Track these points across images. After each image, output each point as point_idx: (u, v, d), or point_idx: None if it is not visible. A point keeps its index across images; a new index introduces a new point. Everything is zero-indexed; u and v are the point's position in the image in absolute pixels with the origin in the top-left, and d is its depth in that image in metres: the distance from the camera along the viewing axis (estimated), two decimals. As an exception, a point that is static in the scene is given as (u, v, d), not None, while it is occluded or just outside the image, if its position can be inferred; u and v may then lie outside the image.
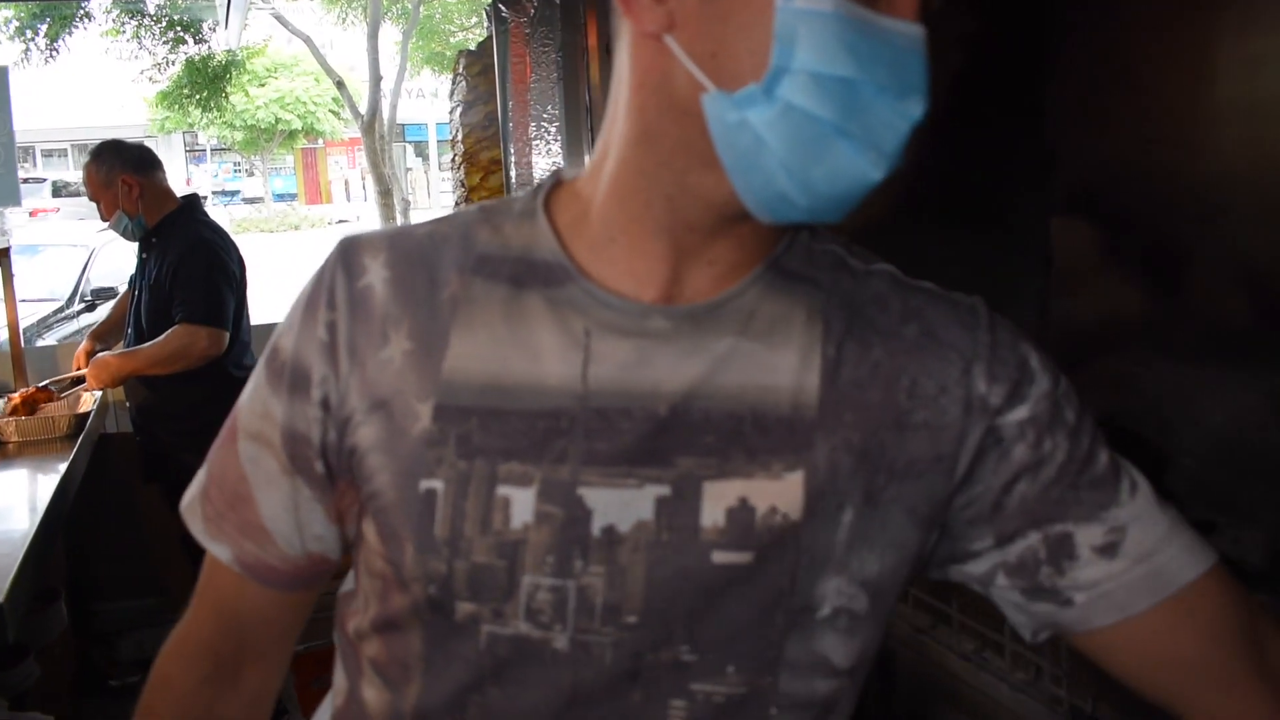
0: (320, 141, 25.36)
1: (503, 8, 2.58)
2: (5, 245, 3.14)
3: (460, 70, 2.78)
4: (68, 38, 12.41)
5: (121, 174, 3.03)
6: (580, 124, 2.55)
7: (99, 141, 3.17)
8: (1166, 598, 0.75)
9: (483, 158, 2.75)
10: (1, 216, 3.07)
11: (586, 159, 2.53)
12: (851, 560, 0.74)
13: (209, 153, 28.84)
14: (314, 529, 0.81)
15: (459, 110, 2.79)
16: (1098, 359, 1.97)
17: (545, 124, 2.58)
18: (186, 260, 2.94)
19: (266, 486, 0.80)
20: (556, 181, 0.79)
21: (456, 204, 2.83)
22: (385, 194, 11.83)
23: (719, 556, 0.72)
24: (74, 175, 23.02)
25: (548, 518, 0.72)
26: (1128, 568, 0.75)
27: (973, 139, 1.81)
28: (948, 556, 0.79)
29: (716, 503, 0.72)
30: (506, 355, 0.73)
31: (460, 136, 2.80)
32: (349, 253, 0.77)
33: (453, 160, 2.87)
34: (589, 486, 0.72)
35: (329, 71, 12.40)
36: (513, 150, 2.63)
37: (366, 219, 23.15)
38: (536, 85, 2.57)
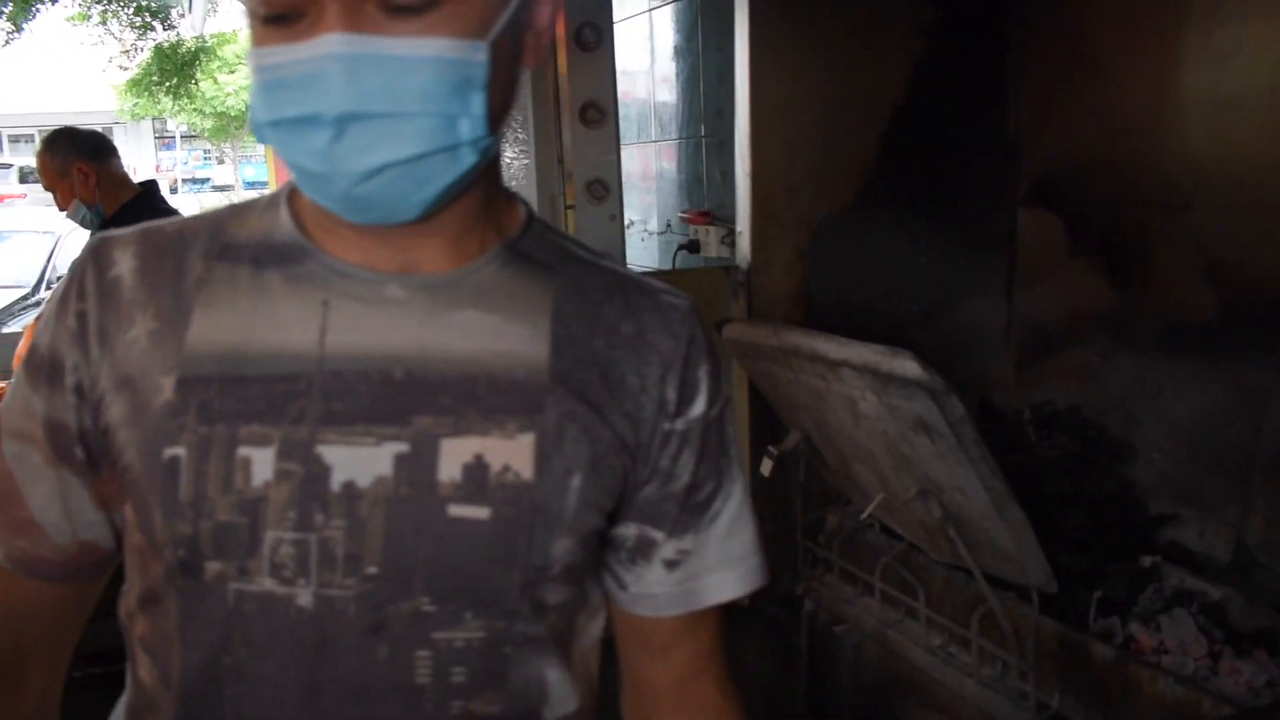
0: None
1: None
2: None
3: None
4: (30, 20, 12.21)
5: (77, 162, 2.97)
6: (549, 115, 2.52)
7: (52, 130, 3.11)
8: (683, 613, 0.88)
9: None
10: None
11: (555, 146, 2.50)
12: (578, 523, 0.80)
13: (178, 140, 28.56)
14: (84, 516, 0.83)
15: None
16: (1062, 350, 1.97)
17: (513, 113, 2.54)
18: None
19: (34, 481, 0.82)
20: None
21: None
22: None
23: (455, 510, 0.77)
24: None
25: (287, 475, 0.75)
26: (676, 583, 0.87)
27: (935, 129, 1.80)
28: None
29: (453, 459, 0.77)
30: (248, 326, 0.78)
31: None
32: (100, 248, 0.81)
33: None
34: (327, 445, 0.76)
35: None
36: (479, 138, 2.59)
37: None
38: (503, 73, 2.54)
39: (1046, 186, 1.81)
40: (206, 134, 22.20)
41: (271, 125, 0.70)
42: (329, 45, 0.67)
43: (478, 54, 0.72)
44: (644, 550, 0.87)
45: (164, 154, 28.37)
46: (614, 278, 0.85)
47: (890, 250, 1.67)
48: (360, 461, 0.76)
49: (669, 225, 2.87)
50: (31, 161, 21.08)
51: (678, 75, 2.78)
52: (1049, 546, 1.44)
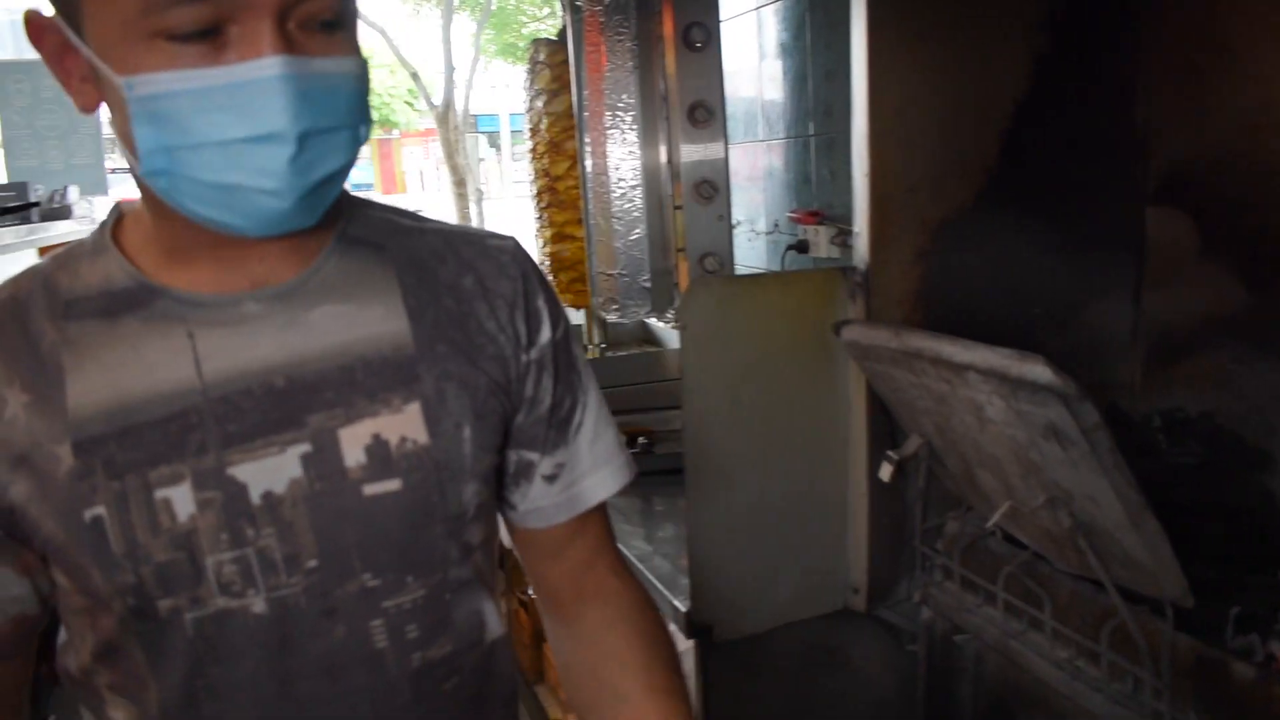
0: (396, 133, 25.61)
1: (578, -3, 2.56)
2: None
3: (542, 59, 2.77)
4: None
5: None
6: (655, 113, 2.52)
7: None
8: (568, 519, 0.99)
9: (569, 146, 2.74)
10: (90, 205, 3.13)
11: (662, 149, 2.50)
12: (477, 466, 0.88)
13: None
14: (8, 592, 0.82)
15: (541, 99, 2.77)
16: (1193, 355, 1.89)
17: (620, 113, 2.55)
18: None
19: None
20: (120, 214, 0.86)
21: (538, 194, 2.81)
22: (460, 184, 11.92)
23: (369, 489, 0.82)
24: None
25: (209, 503, 0.79)
26: (558, 493, 0.97)
27: (1059, 125, 1.74)
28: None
29: (354, 445, 0.82)
30: (122, 377, 0.79)
31: (544, 125, 2.79)
32: None
33: (532, 149, 2.84)
34: (235, 465, 0.80)
35: (404, 63, 12.48)
36: (588, 140, 2.61)
37: (441, 209, 23.37)
38: (611, 74, 2.54)
39: (1177, 183, 1.74)
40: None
41: (216, 145, 0.70)
42: (274, 67, 0.69)
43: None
44: (525, 471, 0.97)
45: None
46: (441, 238, 0.92)
47: (1012, 251, 1.62)
48: (271, 471, 0.81)
49: (776, 225, 2.84)
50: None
51: (785, 73, 2.75)
52: (1183, 559, 1.38)
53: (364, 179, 27.98)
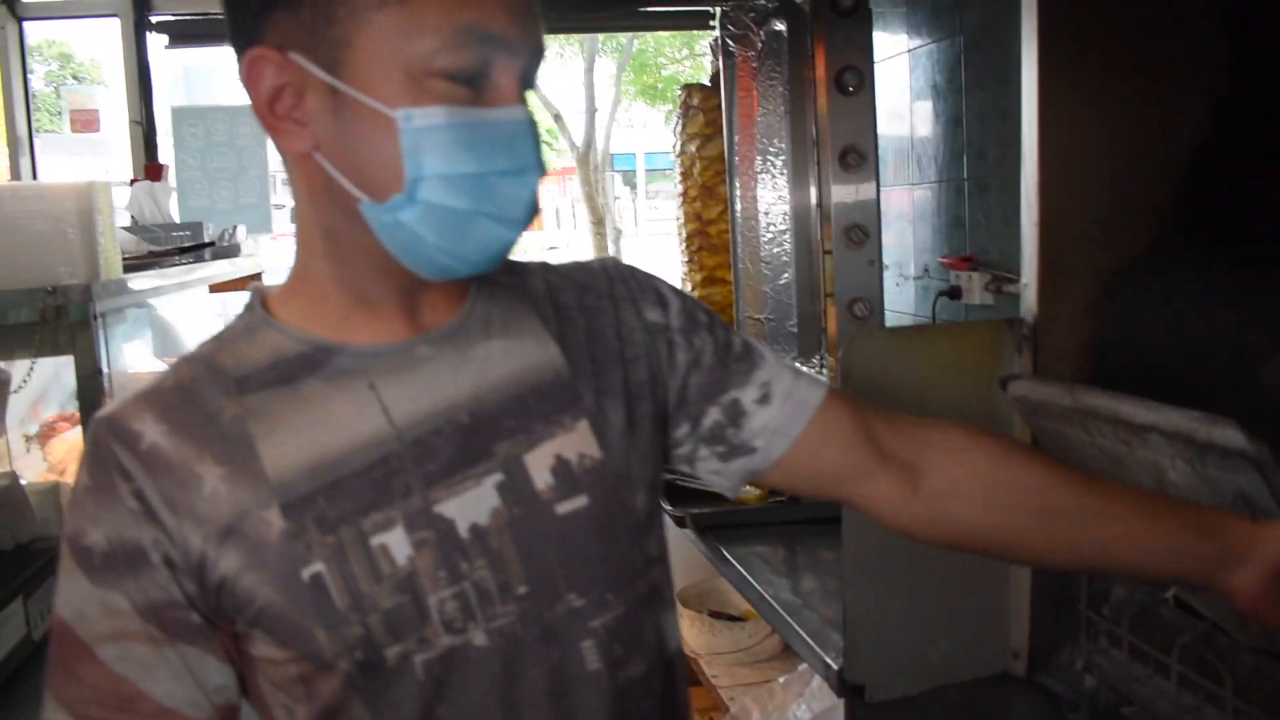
0: (534, 171, 26.20)
1: (730, 42, 2.57)
2: (259, 269, 3.34)
3: (695, 104, 2.78)
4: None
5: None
6: (806, 157, 2.51)
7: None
8: (810, 418, 0.97)
9: (721, 190, 2.75)
10: (255, 243, 3.27)
11: (812, 193, 2.47)
12: (643, 473, 0.91)
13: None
14: (214, 681, 0.83)
15: (695, 144, 2.79)
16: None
17: (771, 157, 2.54)
18: None
19: (149, 672, 0.80)
20: (261, 296, 0.89)
21: (688, 237, 2.82)
22: (599, 223, 12.08)
23: (561, 508, 0.85)
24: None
25: (423, 543, 0.81)
26: (780, 406, 0.97)
27: (1238, 171, 1.66)
28: (665, 448, 0.99)
29: (540, 467, 0.86)
30: (314, 437, 0.81)
31: (697, 170, 2.80)
32: (114, 428, 0.82)
33: (683, 193, 2.85)
34: (441, 503, 0.82)
35: (546, 105, 12.76)
36: (738, 184, 2.61)
37: (578, 246, 23.72)
38: (763, 118, 2.54)
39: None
40: (456, 176, 23.42)
41: (476, 176, 0.76)
42: (523, 113, 0.79)
43: None
44: (736, 410, 0.98)
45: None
46: (547, 270, 0.98)
47: (1190, 303, 1.54)
48: (473, 503, 0.83)
49: (927, 269, 2.79)
50: (301, 203, 22.93)
51: (938, 116, 2.70)
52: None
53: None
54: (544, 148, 0.83)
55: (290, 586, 0.79)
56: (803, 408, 0.98)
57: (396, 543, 0.81)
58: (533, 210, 0.80)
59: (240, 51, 0.81)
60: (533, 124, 0.80)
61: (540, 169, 0.80)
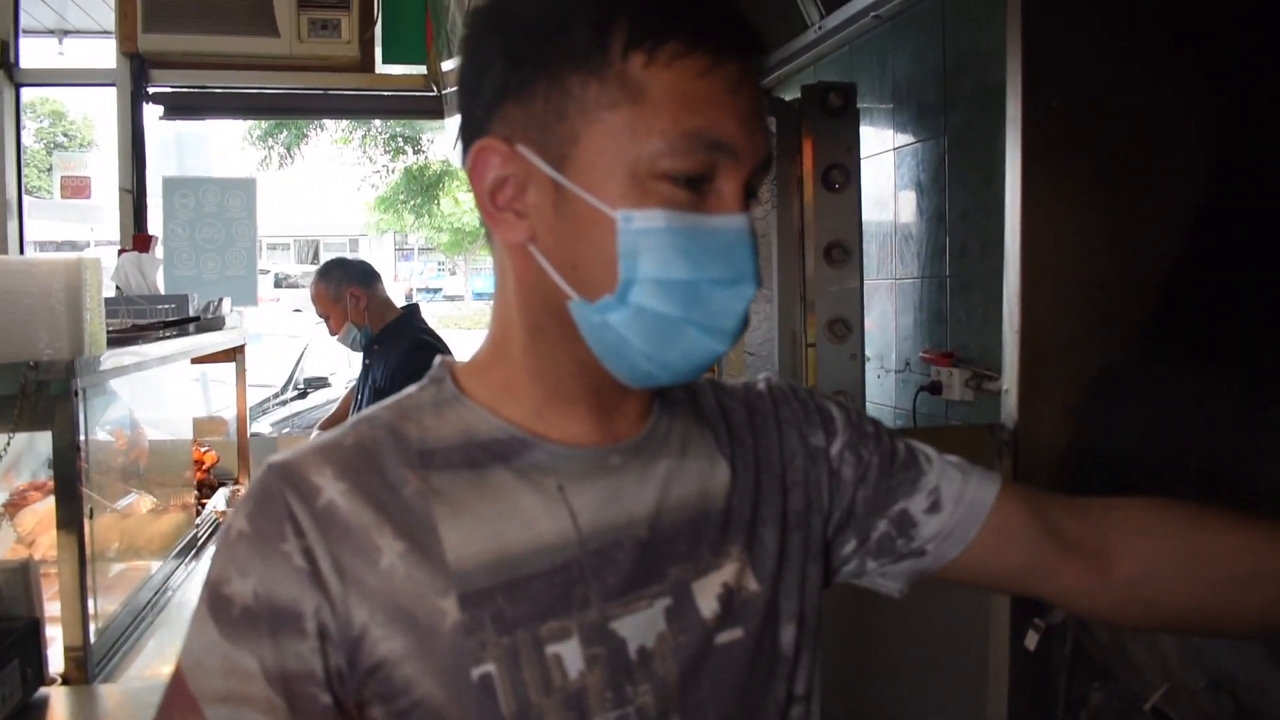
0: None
1: (720, 135, 2.61)
2: (242, 342, 3.34)
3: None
4: (303, 145, 13.46)
5: (349, 287, 3.20)
6: (791, 250, 2.54)
7: (325, 260, 3.36)
8: (985, 519, 0.93)
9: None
10: (240, 315, 3.27)
11: (796, 282, 2.49)
12: (792, 607, 0.88)
13: (416, 252, 30.43)
14: None
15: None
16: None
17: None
18: (404, 364, 3.07)
19: None
20: (451, 370, 0.88)
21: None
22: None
23: (721, 638, 0.83)
24: (294, 269, 24.65)
25: (595, 659, 0.78)
26: (951, 511, 0.93)
27: (1220, 282, 1.69)
28: (830, 569, 0.95)
29: (706, 596, 0.83)
30: (499, 530, 0.78)
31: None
32: (290, 477, 0.78)
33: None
34: (616, 619, 0.80)
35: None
36: (723, 274, 2.63)
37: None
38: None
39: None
40: (442, 248, 23.61)
41: (689, 283, 0.74)
42: (744, 223, 0.77)
43: None
44: (905, 521, 0.95)
45: (402, 265, 30.26)
46: (715, 388, 0.96)
47: (1170, 410, 1.56)
48: (644, 625, 0.81)
49: (908, 364, 2.81)
50: (286, 268, 22.91)
51: (921, 212, 2.75)
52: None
53: (486, 288, 28.83)
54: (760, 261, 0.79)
55: (456, 683, 0.76)
56: (976, 510, 0.94)
57: (571, 655, 0.78)
58: (743, 323, 0.78)
59: (468, 141, 0.81)
60: (752, 235, 0.78)
61: (756, 282, 0.77)
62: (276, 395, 7.82)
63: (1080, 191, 1.53)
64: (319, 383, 8.03)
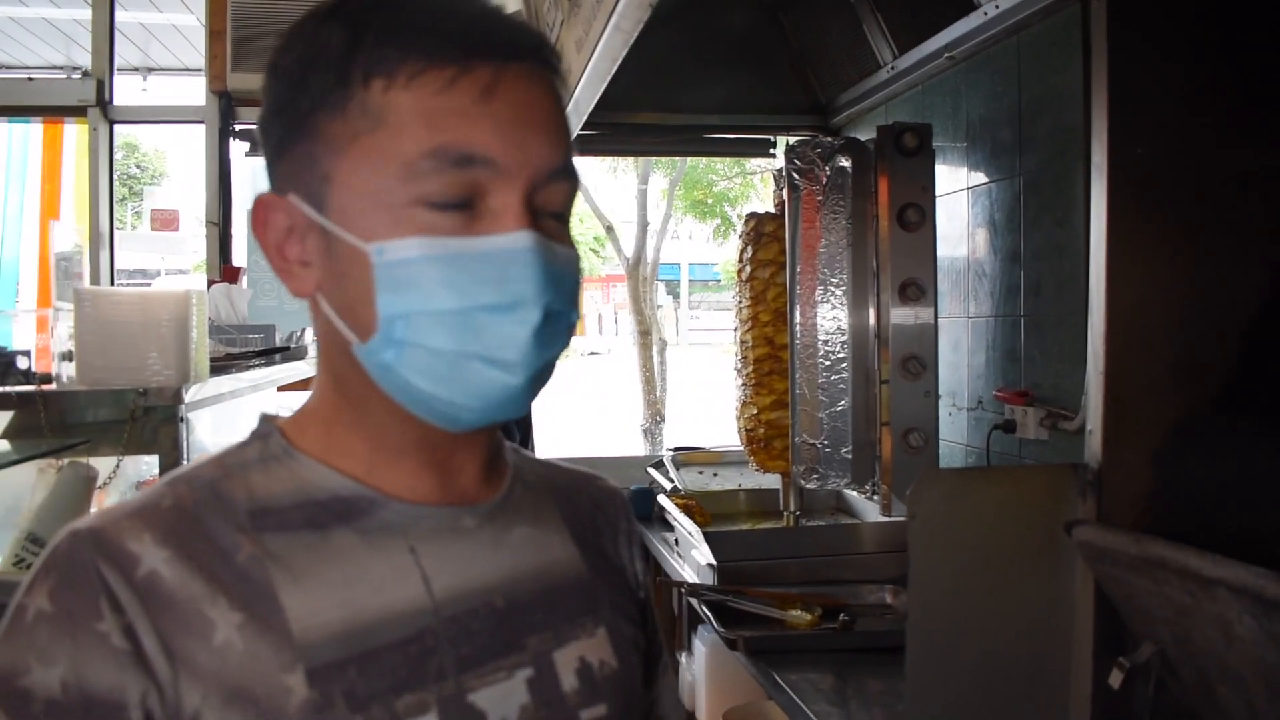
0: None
1: (795, 175, 2.65)
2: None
3: (768, 231, 2.90)
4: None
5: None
6: (866, 288, 2.57)
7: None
8: None
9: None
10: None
11: (871, 324, 2.52)
12: (644, 694, 0.89)
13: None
14: None
15: (768, 270, 2.89)
16: None
17: (832, 287, 2.61)
18: None
19: None
20: (274, 425, 0.81)
21: (758, 360, 2.90)
22: (645, 333, 12.20)
23: (585, 714, 0.80)
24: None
25: None
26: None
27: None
28: None
29: (566, 668, 0.80)
30: (347, 597, 0.72)
31: (770, 295, 2.90)
32: (104, 544, 0.69)
33: (753, 317, 2.94)
34: (474, 692, 0.75)
35: (600, 217, 13.01)
36: (798, 312, 2.67)
37: (619, 352, 23.93)
38: (825, 250, 2.61)
39: None
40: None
41: (461, 312, 0.69)
42: (525, 240, 0.70)
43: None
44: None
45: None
46: (564, 473, 0.94)
47: (1254, 458, 1.56)
48: (504, 697, 0.76)
49: (980, 402, 2.82)
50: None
51: (995, 251, 2.77)
52: None
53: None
54: (564, 276, 0.74)
55: None
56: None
57: None
58: (537, 352, 0.72)
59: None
60: (540, 251, 0.71)
61: (543, 304, 0.71)
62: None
63: (1166, 235, 1.55)
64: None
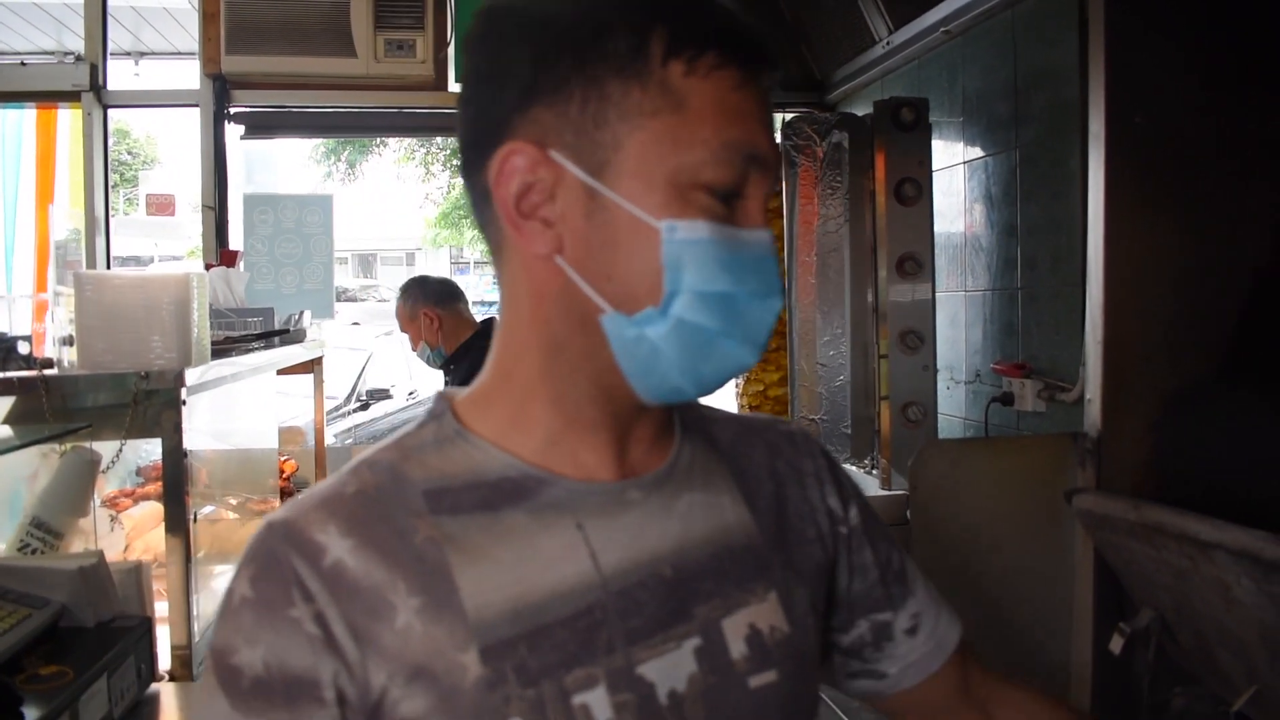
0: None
1: (792, 151, 2.65)
2: (321, 354, 3.43)
3: (770, 209, 2.88)
4: (364, 162, 13.74)
5: (423, 307, 3.28)
6: (864, 263, 2.57)
7: (407, 278, 3.45)
8: (945, 660, 0.93)
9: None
10: (319, 328, 3.35)
11: (870, 296, 2.53)
12: (816, 657, 0.87)
13: (472, 265, 30.69)
14: None
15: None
16: None
17: (830, 262, 2.61)
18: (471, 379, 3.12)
19: None
20: (449, 404, 0.82)
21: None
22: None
23: (754, 681, 0.79)
24: (353, 282, 24.99)
25: (624, 706, 0.74)
26: (924, 642, 0.93)
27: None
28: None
29: (735, 636, 0.80)
30: (518, 576, 0.74)
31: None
32: (292, 537, 0.74)
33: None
34: (643, 663, 0.75)
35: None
36: (796, 286, 2.67)
37: (614, 333, 23.92)
38: (823, 225, 2.62)
39: None
40: (498, 261, 23.81)
41: (727, 296, 0.73)
42: (769, 237, 0.76)
43: None
44: (883, 633, 0.93)
45: (458, 278, 30.40)
46: (738, 424, 0.92)
47: (1251, 424, 1.58)
48: (672, 668, 0.77)
49: (978, 375, 2.83)
50: (344, 283, 23.21)
51: (992, 224, 2.77)
52: None
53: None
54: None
55: None
56: (941, 649, 0.94)
57: (598, 704, 0.74)
58: (769, 338, 0.76)
59: (487, 144, 0.76)
60: (775, 249, 0.77)
61: (782, 296, 0.76)
62: (339, 407, 7.94)
63: (1163, 205, 1.56)
64: (381, 394, 8.12)
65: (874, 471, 2.63)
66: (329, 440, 7.03)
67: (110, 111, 4.04)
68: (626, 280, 0.73)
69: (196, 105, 3.94)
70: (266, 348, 2.68)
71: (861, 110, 2.69)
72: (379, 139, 13.07)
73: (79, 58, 4.02)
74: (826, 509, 0.91)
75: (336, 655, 0.71)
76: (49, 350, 2.19)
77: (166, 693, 1.80)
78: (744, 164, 0.73)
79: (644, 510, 0.80)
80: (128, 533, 2.60)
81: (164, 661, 1.85)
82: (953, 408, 2.96)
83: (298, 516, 0.75)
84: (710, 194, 0.72)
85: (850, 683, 0.95)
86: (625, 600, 0.76)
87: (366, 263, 29.61)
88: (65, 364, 1.96)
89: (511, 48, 0.75)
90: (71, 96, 3.93)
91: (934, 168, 2.59)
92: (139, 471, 2.88)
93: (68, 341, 1.96)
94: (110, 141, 4.12)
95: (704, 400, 0.86)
